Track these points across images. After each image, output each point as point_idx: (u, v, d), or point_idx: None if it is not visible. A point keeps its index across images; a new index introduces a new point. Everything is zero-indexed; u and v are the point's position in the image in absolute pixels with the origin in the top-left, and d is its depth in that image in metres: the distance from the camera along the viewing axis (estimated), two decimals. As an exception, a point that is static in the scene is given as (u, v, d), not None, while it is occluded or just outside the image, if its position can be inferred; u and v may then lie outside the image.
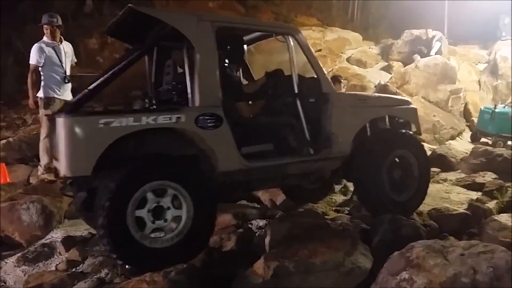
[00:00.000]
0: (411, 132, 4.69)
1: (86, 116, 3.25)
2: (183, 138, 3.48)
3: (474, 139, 10.20)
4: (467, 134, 10.79)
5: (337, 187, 5.66)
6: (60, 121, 3.12)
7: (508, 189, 5.46)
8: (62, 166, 3.14)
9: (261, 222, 4.42)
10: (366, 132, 4.44)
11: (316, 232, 3.57)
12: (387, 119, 4.65)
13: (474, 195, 5.62)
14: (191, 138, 3.49)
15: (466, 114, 11.55)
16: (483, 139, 10.05)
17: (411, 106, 4.94)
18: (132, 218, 3.15)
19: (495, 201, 5.18)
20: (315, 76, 4.16)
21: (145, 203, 3.22)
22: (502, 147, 8.91)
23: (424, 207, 4.82)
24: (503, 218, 3.80)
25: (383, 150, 4.34)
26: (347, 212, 4.97)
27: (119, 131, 3.14)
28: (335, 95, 4.24)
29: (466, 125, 11.25)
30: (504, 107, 10.17)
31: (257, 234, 4.17)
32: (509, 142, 9.64)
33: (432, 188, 5.42)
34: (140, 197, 3.19)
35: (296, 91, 4.03)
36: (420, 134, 4.82)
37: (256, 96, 4.32)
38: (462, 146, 9.65)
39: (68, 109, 3.36)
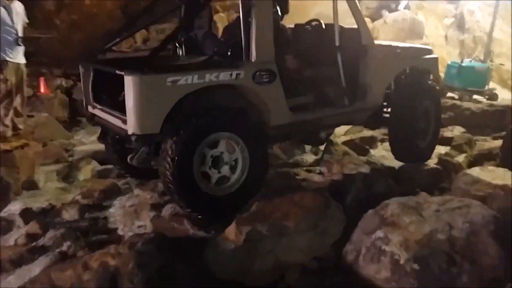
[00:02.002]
0: (434, 84, 4.89)
1: (155, 74, 3.22)
2: (235, 92, 3.58)
3: (441, 94, 10.27)
4: (434, 89, 10.86)
5: (308, 148, 5.57)
6: (130, 80, 3.10)
7: (477, 142, 5.51)
8: (131, 125, 3.17)
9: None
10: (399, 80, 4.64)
11: (288, 193, 3.49)
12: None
13: (443, 149, 5.64)
14: (243, 92, 3.59)
15: (433, 69, 11.61)
16: (449, 94, 10.13)
17: (433, 55, 5.07)
18: (198, 169, 3.30)
19: (463, 155, 5.22)
20: (356, 27, 4.22)
21: (204, 157, 3.38)
22: (469, 101, 9.01)
23: (395, 163, 4.83)
24: (475, 172, 3.80)
25: (417, 103, 4.57)
26: (319, 171, 4.90)
27: (185, 89, 3.22)
28: (373, 47, 4.33)
29: (434, 80, 11.33)
30: (471, 61, 10.22)
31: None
32: (474, 96, 9.77)
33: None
34: (208, 145, 3.36)
35: (337, 43, 4.08)
36: (439, 83, 5.10)
37: (302, 49, 4.45)
38: (429, 101, 9.71)
39: (136, 66, 3.29)
